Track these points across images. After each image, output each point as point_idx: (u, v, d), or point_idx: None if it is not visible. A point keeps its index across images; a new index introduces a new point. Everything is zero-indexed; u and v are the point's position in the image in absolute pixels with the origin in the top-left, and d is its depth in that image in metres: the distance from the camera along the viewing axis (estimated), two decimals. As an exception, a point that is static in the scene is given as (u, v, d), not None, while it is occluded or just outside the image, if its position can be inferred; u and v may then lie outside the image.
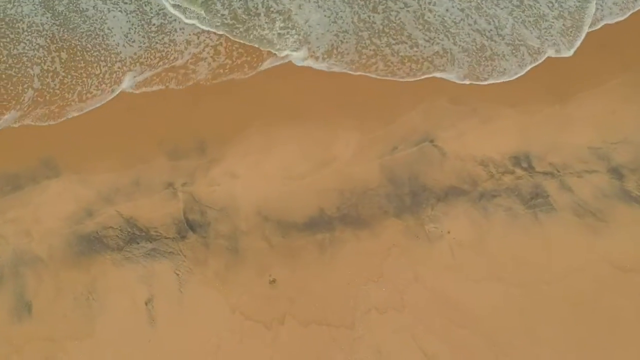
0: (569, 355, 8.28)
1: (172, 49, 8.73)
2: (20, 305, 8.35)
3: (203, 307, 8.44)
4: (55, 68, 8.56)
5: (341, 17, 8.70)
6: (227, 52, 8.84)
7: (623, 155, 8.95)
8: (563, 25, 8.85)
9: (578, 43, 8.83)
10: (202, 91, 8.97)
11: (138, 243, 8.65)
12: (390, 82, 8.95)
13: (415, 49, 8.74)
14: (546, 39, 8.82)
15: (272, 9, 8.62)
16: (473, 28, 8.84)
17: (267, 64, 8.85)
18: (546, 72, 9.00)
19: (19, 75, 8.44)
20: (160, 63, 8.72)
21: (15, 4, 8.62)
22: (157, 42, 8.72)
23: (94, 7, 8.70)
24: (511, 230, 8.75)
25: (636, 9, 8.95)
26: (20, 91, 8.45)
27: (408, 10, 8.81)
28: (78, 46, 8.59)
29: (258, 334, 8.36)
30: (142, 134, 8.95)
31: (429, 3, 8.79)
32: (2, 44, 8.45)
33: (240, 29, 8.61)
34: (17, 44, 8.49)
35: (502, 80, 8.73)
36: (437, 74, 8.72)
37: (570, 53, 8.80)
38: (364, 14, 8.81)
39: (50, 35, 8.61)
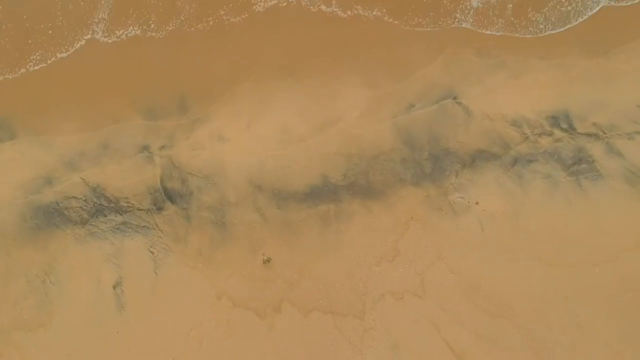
0: (626, 353, 6.97)
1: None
2: (-39, 290, 7.11)
3: (183, 291, 7.19)
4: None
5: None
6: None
7: (680, 113, 7.73)
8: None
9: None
10: (185, 38, 7.77)
11: (106, 216, 7.41)
12: (403, 30, 7.85)
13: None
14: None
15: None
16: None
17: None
18: (583, 23, 7.97)
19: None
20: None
21: None
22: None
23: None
24: (551, 200, 7.45)
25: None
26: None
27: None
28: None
29: (249, 323, 7.08)
30: (113, 89, 7.75)
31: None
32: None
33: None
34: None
35: (556, 32, 7.87)
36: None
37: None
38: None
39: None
